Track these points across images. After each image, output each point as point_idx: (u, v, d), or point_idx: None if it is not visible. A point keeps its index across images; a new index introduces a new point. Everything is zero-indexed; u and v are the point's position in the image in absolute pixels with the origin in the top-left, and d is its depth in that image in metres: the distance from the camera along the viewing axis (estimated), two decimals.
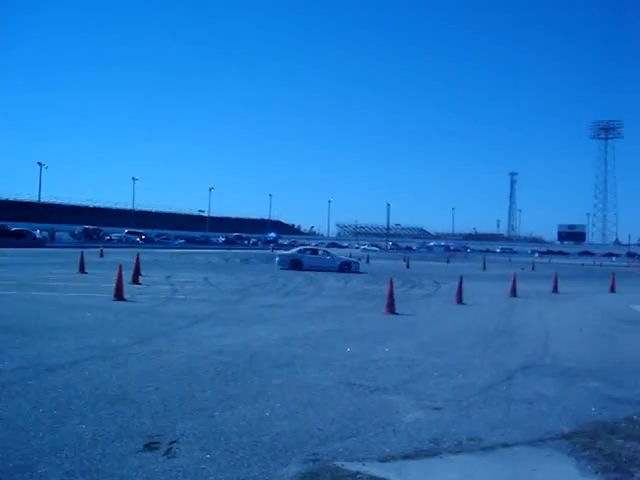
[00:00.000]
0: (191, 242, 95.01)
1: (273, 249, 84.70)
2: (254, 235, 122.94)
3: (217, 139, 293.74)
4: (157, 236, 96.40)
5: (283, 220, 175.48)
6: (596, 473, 5.41)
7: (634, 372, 10.01)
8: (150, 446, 5.59)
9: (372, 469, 5.27)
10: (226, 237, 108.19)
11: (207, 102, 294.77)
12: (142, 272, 24.46)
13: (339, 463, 5.39)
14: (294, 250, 41.02)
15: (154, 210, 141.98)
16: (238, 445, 5.72)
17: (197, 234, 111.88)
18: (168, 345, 10.60)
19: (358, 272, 36.40)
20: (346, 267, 37.04)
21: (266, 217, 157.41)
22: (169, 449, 5.53)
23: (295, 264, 36.45)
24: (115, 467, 5.09)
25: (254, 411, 6.87)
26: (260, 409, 6.96)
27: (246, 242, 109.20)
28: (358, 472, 5.18)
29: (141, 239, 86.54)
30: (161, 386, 7.77)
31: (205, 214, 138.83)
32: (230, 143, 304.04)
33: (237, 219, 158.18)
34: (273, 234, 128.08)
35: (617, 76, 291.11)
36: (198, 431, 6.05)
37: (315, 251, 40.37)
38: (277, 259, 38.19)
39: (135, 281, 22.15)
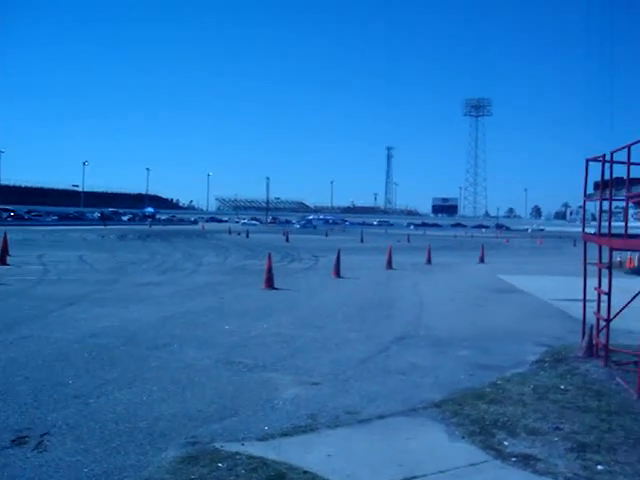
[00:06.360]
0: (64, 218, 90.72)
1: (151, 225, 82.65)
2: (131, 210, 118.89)
3: (90, 110, 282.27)
4: (27, 212, 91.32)
5: (161, 195, 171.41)
6: (463, 438, 5.74)
7: (499, 339, 10.62)
8: (18, 441, 5.30)
9: (251, 449, 5.31)
10: (102, 213, 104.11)
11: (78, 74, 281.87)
12: (11, 252, 23.12)
13: (218, 444, 5.39)
14: None
15: (23, 185, 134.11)
16: (114, 432, 5.60)
17: (71, 210, 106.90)
18: (39, 330, 10.16)
19: None
20: None
21: (143, 192, 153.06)
22: (39, 443, 5.29)
23: None
24: None
25: (131, 395, 6.74)
26: (137, 393, 6.84)
27: (123, 217, 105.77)
28: (237, 452, 5.20)
29: (10, 216, 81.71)
30: (31, 375, 7.44)
31: (79, 189, 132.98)
32: (104, 114, 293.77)
33: (113, 194, 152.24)
34: (150, 209, 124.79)
35: (487, 57, 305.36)
36: (72, 420, 5.86)
37: None
38: None
39: (3, 262, 21.01)
